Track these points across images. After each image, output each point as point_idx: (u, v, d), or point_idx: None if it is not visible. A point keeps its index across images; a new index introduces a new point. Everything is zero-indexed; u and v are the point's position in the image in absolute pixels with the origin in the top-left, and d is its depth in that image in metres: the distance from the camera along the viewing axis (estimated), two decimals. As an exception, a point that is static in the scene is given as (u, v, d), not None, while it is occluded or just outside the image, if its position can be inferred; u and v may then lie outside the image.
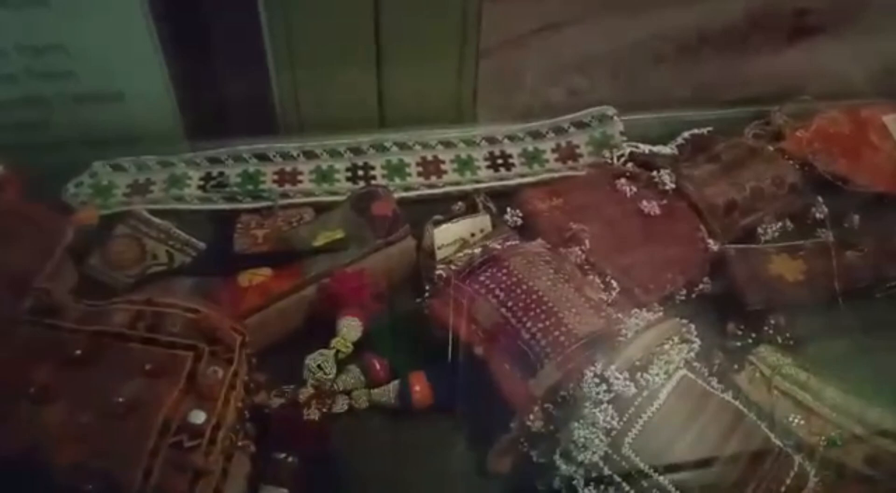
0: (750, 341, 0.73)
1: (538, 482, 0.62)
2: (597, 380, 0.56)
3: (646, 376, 0.57)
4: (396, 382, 0.68)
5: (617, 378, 0.56)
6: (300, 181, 0.88)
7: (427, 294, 0.71)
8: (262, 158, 0.90)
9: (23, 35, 0.82)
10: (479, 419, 0.66)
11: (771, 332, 0.74)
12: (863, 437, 0.66)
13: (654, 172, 0.81)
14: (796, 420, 0.67)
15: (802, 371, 0.71)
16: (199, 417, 0.61)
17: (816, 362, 0.71)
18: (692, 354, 0.62)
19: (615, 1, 0.90)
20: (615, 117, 0.91)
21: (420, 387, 0.68)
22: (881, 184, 0.88)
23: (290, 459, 0.63)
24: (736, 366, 0.70)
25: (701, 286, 0.77)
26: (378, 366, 0.69)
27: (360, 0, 0.86)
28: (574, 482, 0.58)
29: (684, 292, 0.76)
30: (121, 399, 0.60)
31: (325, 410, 0.67)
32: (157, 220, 0.82)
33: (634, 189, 0.80)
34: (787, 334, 0.74)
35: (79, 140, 0.91)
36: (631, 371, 0.57)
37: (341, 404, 0.68)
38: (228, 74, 0.91)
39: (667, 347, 0.60)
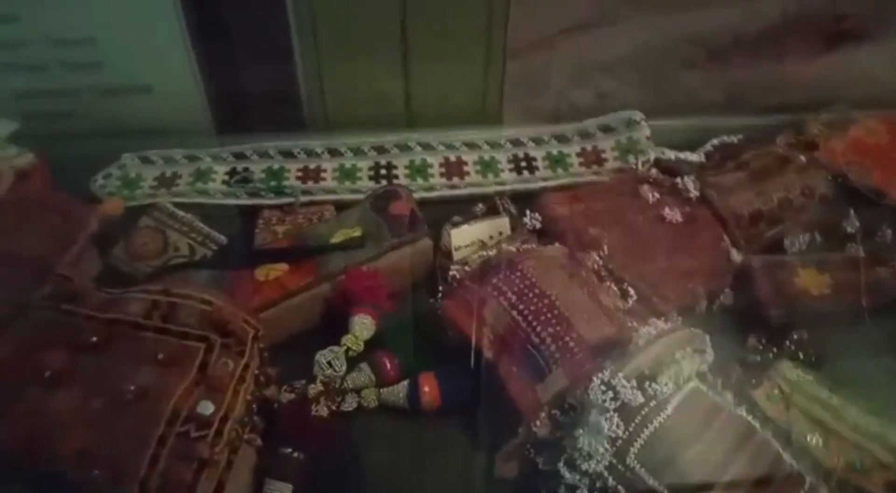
0: (771, 356, 0.71)
1: (543, 489, 0.61)
2: (603, 387, 0.55)
3: (654, 385, 0.56)
4: (406, 382, 0.68)
5: (624, 386, 0.55)
6: (323, 179, 0.88)
7: (441, 295, 0.71)
8: (287, 154, 0.90)
9: (53, 26, 0.84)
10: (486, 423, 0.65)
11: (793, 348, 0.72)
12: (884, 462, 0.64)
13: (678, 179, 0.79)
14: (814, 440, 0.65)
15: (824, 389, 0.68)
16: (207, 408, 0.61)
17: (839, 381, 0.69)
18: (705, 366, 0.60)
19: (645, 1, 0.89)
20: (642, 122, 0.90)
21: (429, 388, 0.67)
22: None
23: (295, 454, 0.63)
24: (753, 381, 0.68)
25: (722, 298, 0.75)
26: (388, 365, 0.69)
27: (389, 3, 0.86)
28: (578, 492, 0.57)
29: (705, 303, 0.74)
30: (132, 387, 0.61)
31: (333, 407, 0.67)
32: (181, 213, 0.83)
33: (657, 195, 0.78)
34: (810, 351, 0.72)
35: (108, 132, 0.93)
36: (639, 380, 0.56)
37: (350, 402, 0.68)
38: (256, 70, 0.92)
39: (678, 356, 0.58)
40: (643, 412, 0.55)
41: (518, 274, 0.65)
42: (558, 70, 0.94)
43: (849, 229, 0.82)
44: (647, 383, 0.56)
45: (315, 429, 0.65)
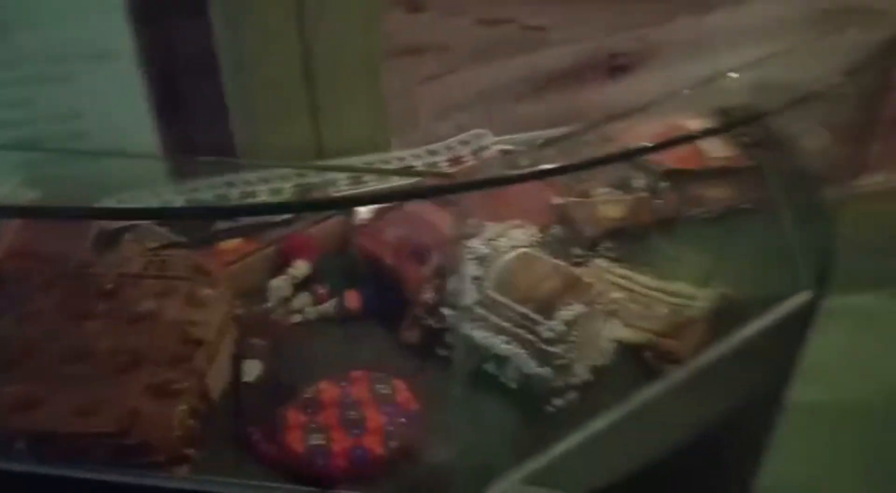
0: (588, 257, 1.03)
1: (437, 348, 0.89)
2: (465, 248, 0.86)
3: (498, 242, 0.86)
4: (335, 299, 0.96)
5: (478, 245, 0.86)
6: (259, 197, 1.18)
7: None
8: (230, 184, 1.20)
9: (55, 105, 1.14)
10: (393, 311, 0.93)
11: (603, 252, 1.04)
12: (667, 301, 0.96)
13: (511, 156, 1.14)
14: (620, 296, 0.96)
15: (626, 270, 1.01)
16: (196, 315, 0.88)
17: (635, 267, 1.01)
18: (535, 239, 0.92)
19: (478, 54, 1.27)
20: (489, 135, 1.26)
21: (352, 300, 0.96)
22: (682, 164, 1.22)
23: (261, 343, 0.90)
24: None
25: (553, 230, 1.08)
26: (322, 291, 0.97)
27: (296, 71, 1.21)
28: (457, 325, 0.86)
29: (541, 234, 1.07)
30: (141, 310, 0.88)
31: (284, 318, 0.95)
32: (156, 226, 1.11)
33: (499, 168, 1.12)
34: (614, 254, 1.04)
35: (89, 186, 1.21)
36: (487, 241, 0.87)
37: (296, 317, 0.96)
38: (203, 132, 1.24)
39: (516, 230, 0.90)
40: (493, 259, 0.86)
41: (403, 211, 0.97)
42: (426, 109, 1.30)
43: (635, 184, 1.17)
44: (493, 241, 0.86)
45: (272, 326, 0.92)
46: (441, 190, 0.79)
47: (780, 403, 1.05)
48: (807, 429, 1.54)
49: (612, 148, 1.25)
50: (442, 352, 0.89)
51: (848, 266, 1.67)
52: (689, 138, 0.79)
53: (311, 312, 0.96)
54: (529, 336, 0.81)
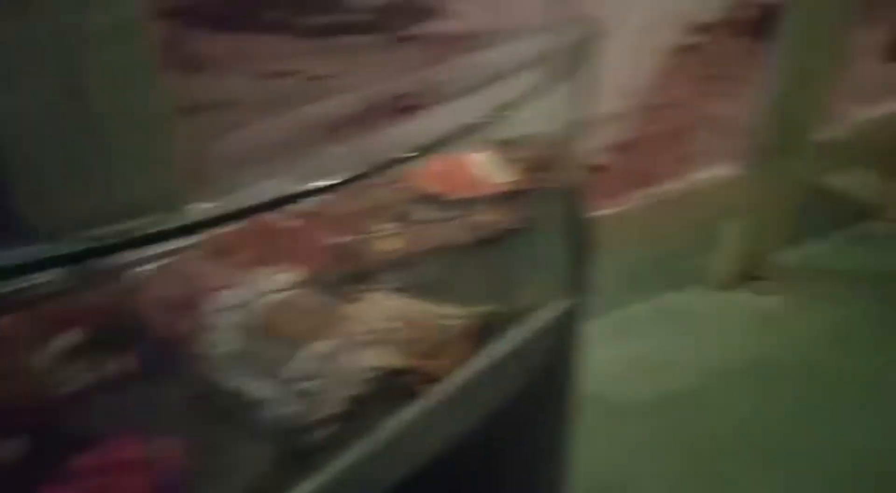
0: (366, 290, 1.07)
1: (207, 399, 0.91)
2: (228, 296, 0.88)
3: (258, 288, 0.89)
4: (109, 364, 0.96)
5: (241, 291, 0.88)
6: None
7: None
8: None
9: None
10: (167, 368, 0.94)
11: (381, 284, 1.09)
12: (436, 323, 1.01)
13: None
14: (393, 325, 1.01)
15: (402, 300, 1.05)
16: None
17: (413, 295, 1.06)
18: (301, 282, 0.95)
19: (268, 106, 1.31)
20: (285, 181, 1.29)
21: (126, 361, 0.96)
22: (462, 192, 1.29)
23: (23, 419, 0.89)
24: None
25: (327, 270, 1.11)
26: (95, 357, 0.97)
27: (80, 137, 1.22)
28: (221, 374, 0.88)
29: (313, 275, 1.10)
30: None
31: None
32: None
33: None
34: (393, 285, 1.09)
35: None
36: (249, 288, 0.89)
37: (68, 387, 0.95)
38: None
39: (279, 275, 0.93)
40: (252, 305, 0.88)
41: (172, 269, 0.98)
42: (223, 164, 1.32)
43: (416, 217, 1.23)
44: (255, 287, 0.89)
45: (38, 402, 0.91)
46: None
47: (566, 403, 1.11)
48: (627, 425, 1.63)
49: (399, 186, 1.32)
50: (211, 403, 0.90)
51: (660, 267, 1.79)
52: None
53: (84, 379, 0.95)
54: (283, 376, 0.84)
